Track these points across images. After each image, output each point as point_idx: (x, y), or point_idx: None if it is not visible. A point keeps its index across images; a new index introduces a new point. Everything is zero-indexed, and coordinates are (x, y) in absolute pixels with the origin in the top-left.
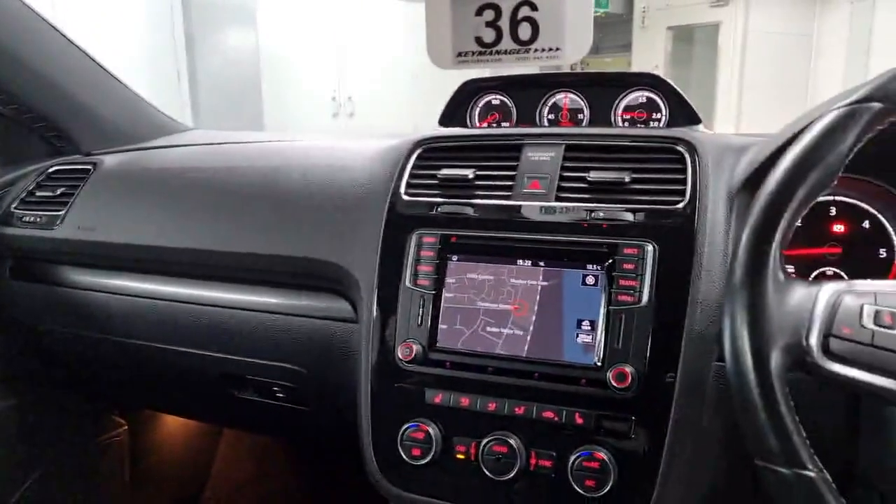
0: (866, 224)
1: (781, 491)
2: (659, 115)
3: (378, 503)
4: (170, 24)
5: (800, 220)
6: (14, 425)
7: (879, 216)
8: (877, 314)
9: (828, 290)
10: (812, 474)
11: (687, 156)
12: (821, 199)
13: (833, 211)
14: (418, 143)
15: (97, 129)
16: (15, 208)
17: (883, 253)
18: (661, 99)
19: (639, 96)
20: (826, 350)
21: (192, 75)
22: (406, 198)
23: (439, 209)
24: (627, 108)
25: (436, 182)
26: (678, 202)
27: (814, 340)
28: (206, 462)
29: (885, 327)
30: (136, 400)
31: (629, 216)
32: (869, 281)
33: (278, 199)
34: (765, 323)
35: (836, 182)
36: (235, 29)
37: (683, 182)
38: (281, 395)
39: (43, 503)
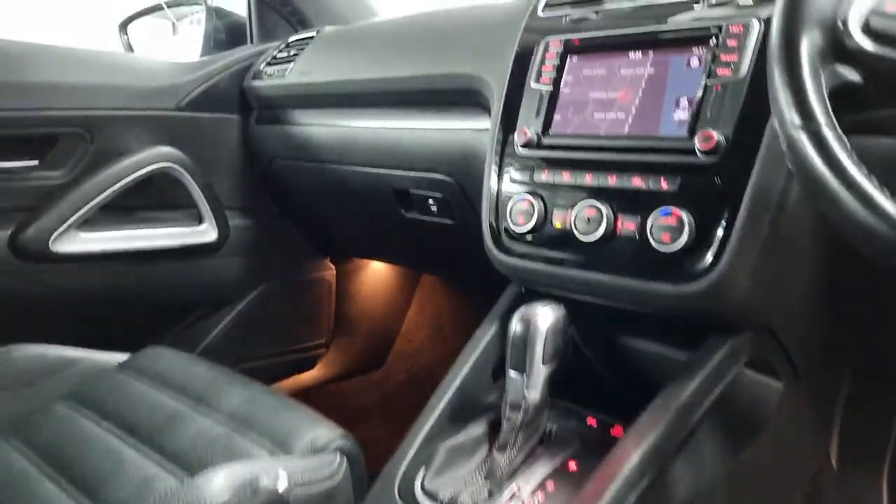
0: None
1: (793, 151)
2: None
3: None
4: None
5: None
6: (250, 242)
7: None
8: None
9: None
10: (825, 130)
11: None
12: None
13: None
14: None
15: (325, 12)
16: (263, 68)
17: None
18: None
19: None
20: (866, 29)
21: None
22: (542, 14)
23: (567, 18)
24: None
25: (569, 0)
26: None
27: (853, 17)
28: (400, 314)
29: None
30: (339, 245)
31: None
32: None
33: (437, 34)
34: (801, 4)
35: None
36: None
37: None
38: (434, 208)
39: (261, 314)
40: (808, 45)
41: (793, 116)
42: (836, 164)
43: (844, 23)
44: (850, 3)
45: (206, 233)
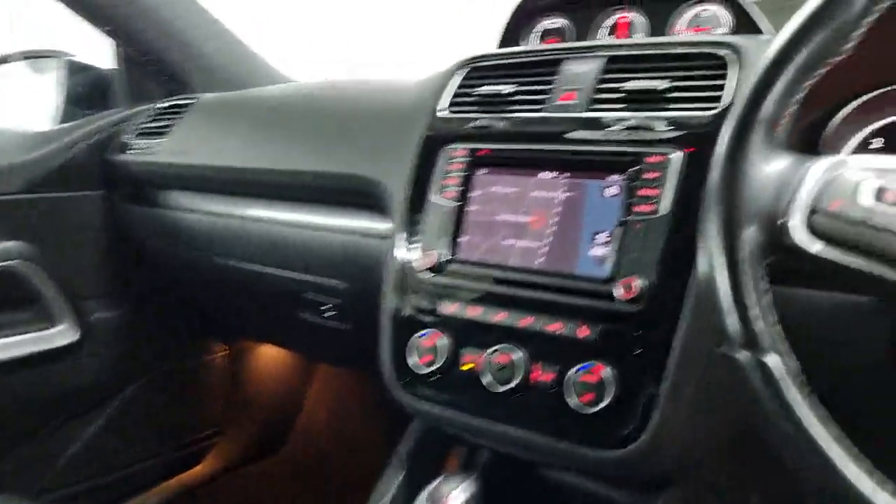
0: None
1: (736, 380)
2: (722, 31)
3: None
4: None
5: (878, 141)
6: (118, 335)
7: None
8: (880, 190)
9: (823, 163)
10: (771, 360)
11: (728, 61)
12: None
13: None
14: (463, 63)
15: (208, 74)
16: (130, 139)
17: None
18: (729, 12)
19: (703, 10)
20: (810, 228)
21: None
22: (445, 115)
23: (472, 124)
24: (693, 24)
25: (475, 99)
26: (712, 109)
27: (796, 216)
28: (299, 396)
29: (888, 204)
30: (229, 326)
31: (659, 124)
32: (877, 156)
33: (330, 121)
34: (741, 195)
35: (850, 45)
36: None
37: (722, 88)
38: (330, 313)
39: (140, 411)
40: (749, 245)
41: (735, 330)
42: (788, 407)
43: (785, 221)
44: (793, 198)
45: (63, 334)
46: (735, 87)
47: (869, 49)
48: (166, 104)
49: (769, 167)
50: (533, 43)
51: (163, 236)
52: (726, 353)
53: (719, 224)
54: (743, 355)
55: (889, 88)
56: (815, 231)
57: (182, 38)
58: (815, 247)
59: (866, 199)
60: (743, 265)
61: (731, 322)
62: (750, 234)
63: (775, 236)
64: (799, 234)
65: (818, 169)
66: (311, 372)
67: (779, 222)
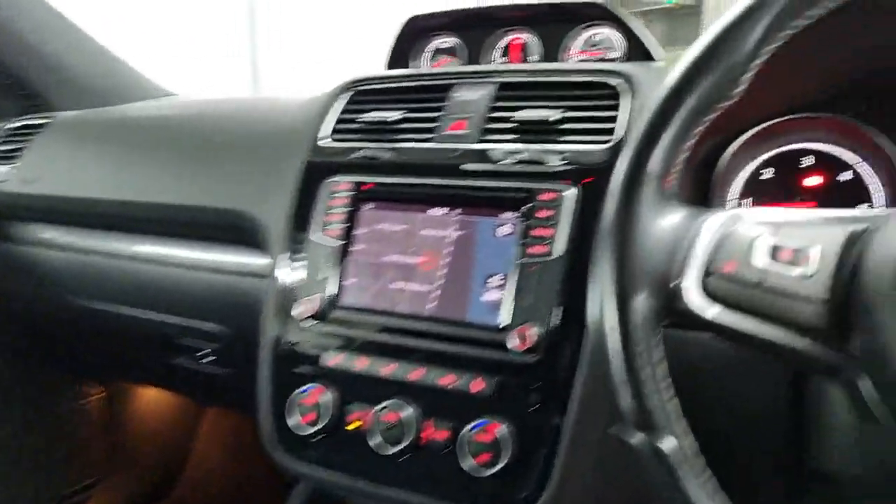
0: (847, 176)
1: (631, 460)
2: (615, 55)
3: None
4: None
5: (769, 171)
6: None
7: (860, 167)
8: (774, 249)
9: (717, 218)
10: (667, 444)
11: (620, 91)
12: (794, 147)
13: (807, 161)
14: (347, 86)
15: (71, 88)
16: None
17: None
18: (622, 36)
19: (596, 33)
20: (705, 290)
21: None
22: (328, 143)
23: (356, 154)
24: (586, 47)
25: (359, 126)
26: (606, 142)
27: (690, 277)
28: (187, 438)
29: (783, 263)
30: (99, 367)
31: (552, 158)
32: (771, 209)
33: (200, 146)
34: (632, 256)
35: (739, 89)
36: None
37: (615, 120)
38: (209, 358)
39: (5, 467)
40: (642, 311)
41: (628, 407)
42: (685, 495)
43: (678, 284)
44: (687, 257)
45: None
46: (627, 120)
47: (756, 88)
48: (17, 124)
49: (663, 221)
50: (424, 63)
51: (12, 273)
52: (619, 435)
53: (610, 288)
54: (637, 439)
55: (775, 121)
56: (710, 294)
57: (34, 46)
58: (711, 311)
59: (761, 258)
60: (635, 334)
61: (624, 398)
62: (642, 300)
63: (669, 300)
64: (694, 297)
65: (713, 224)
66: (200, 412)
67: (672, 285)
